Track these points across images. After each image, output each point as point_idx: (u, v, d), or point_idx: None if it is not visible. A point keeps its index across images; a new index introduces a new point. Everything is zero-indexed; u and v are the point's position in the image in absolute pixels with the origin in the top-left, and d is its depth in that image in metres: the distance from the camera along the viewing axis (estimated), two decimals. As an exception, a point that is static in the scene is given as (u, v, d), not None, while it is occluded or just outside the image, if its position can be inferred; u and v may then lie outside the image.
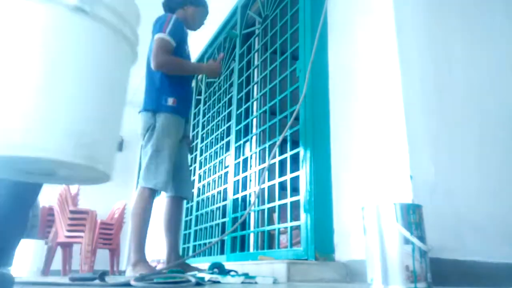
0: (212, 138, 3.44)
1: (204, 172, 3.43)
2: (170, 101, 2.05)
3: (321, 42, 2.05)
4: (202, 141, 3.70)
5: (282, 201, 2.13)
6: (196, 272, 1.76)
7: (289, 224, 2.02)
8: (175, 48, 2.04)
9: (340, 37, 2.05)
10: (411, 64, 1.65)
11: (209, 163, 3.43)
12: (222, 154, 3.16)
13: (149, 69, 2.11)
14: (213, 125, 3.49)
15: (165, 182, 1.97)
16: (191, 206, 3.50)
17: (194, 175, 3.63)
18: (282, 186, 2.25)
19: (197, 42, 4.29)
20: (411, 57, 1.66)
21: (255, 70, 2.82)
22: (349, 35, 1.97)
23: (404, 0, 1.74)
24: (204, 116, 3.80)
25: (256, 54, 2.87)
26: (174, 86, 2.09)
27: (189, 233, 3.46)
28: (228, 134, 3.01)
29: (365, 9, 1.87)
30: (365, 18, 1.87)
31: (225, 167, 3.05)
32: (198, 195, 3.43)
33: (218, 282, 1.58)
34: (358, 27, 1.90)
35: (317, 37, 1.93)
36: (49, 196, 4.91)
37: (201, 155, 3.68)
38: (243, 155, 2.76)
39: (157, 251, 4.47)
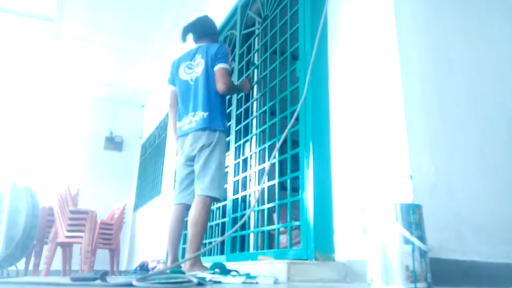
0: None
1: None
2: (227, 123, 2.46)
3: (321, 42, 2.05)
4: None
5: (282, 201, 2.13)
6: (197, 272, 1.77)
7: (289, 224, 2.02)
8: None
9: (340, 37, 2.05)
10: (411, 64, 1.65)
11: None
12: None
13: (209, 91, 2.33)
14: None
15: (224, 193, 2.30)
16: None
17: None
18: (282, 186, 2.25)
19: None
20: (411, 57, 1.66)
21: (255, 70, 2.82)
22: (349, 35, 1.97)
23: (403, 3, 1.75)
24: (204, 116, 3.79)
25: (256, 54, 2.87)
26: (226, 109, 2.50)
27: (189, 233, 3.45)
28: (228, 134, 3.01)
29: (365, 9, 1.88)
30: (365, 18, 1.87)
31: (225, 167, 3.05)
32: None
33: (219, 282, 1.59)
34: (358, 27, 1.90)
35: (317, 37, 1.93)
36: (49, 196, 4.92)
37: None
38: (243, 155, 2.76)
39: (158, 251, 4.48)
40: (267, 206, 2.27)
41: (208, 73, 2.31)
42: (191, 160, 2.28)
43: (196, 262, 2.02)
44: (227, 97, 2.75)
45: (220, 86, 2.26)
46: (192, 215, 2.09)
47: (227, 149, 2.95)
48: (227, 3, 3.54)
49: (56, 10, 4.36)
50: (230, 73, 2.36)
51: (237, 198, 2.63)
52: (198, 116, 2.26)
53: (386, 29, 1.71)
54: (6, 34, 4.89)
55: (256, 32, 2.93)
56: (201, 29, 2.54)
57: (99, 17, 4.54)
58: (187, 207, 2.28)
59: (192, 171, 2.28)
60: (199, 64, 2.37)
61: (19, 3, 4.33)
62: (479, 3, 2.08)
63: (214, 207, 3.06)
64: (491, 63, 1.99)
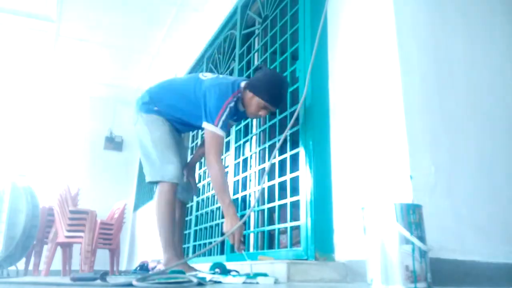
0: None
1: (204, 172, 3.43)
2: (156, 108, 2.08)
3: (321, 42, 2.05)
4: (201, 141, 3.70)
5: (282, 201, 2.13)
6: (197, 272, 1.77)
7: (289, 224, 2.02)
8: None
9: (340, 37, 2.05)
10: (412, 64, 1.65)
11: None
12: (222, 154, 3.17)
13: (185, 102, 2.07)
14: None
15: (174, 171, 2.01)
16: (191, 206, 3.50)
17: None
18: (282, 186, 2.25)
19: (197, 42, 4.30)
20: (411, 57, 1.66)
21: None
22: (349, 35, 1.97)
23: (404, 1, 1.75)
24: (204, 116, 3.79)
25: (256, 54, 2.87)
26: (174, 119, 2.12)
27: (189, 233, 3.46)
28: (228, 134, 3.01)
29: (366, 9, 1.88)
30: (365, 18, 1.87)
31: (225, 167, 3.05)
32: (198, 195, 3.43)
33: (220, 282, 1.59)
34: (359, 27, 1.91)
35: (317, 37, 1.94)
36: (49, 196, 4.92)
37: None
38: (243, 155, 2.76)
39: (158, 251, 4.47)
40: (267, 206, 2.27)
41: (188, 93, 2.08)
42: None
43: (172, 259, 1.89)
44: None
45: (208, 157, 1.94)
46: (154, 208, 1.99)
47: (226, 145, 2.95)
48: (227, 3, 3.54)
49: (56, 10, 4.36)
50: (223, 142, 2.06)
51: (237, 198, 2.63)
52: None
53: (386, 29, 1.71)
54: (6, 34, 4.89)
55: (256, 32, 2.93)
56: (252, 78, 2.08)
57: (99, 17, 4.54)
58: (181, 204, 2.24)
59: None
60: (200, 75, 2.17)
61: (19, 3, 4.33)
62: (479, 3, 2.08)
63: (214, 207, 3.07)
64: (492, 63, 1.99)
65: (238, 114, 2.13)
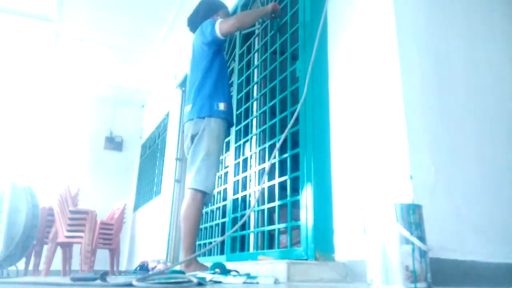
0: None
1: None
2: (222, 106, 2.16)
3: (321, 42, 2.05)
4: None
5: (282, 201, 2.13)
6: (197, 272, 1.77)
7: (289, 224, 2.02)
8: (220, 44, 2.27)
9: (340, 37, 2.05)
10: (411, 64, 1.65)
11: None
12: (222, 154, 3.17)
13: (198, 75, 2.22)
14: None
15: (214, 186, 2.13)
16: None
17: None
18: (282, 186, 2.25)
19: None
20: (411, 57, 1.66)
21: (255, 70, 2.82)
22: (349, 35, 1.97)
23: (404, 2, 1.75)
24: (204, 116, 3.79)
25: (256, 54, 2.87)
26: (223, 91, 2.22)
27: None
28: (228, 135, 3.01)
29: (365, 9, 1.88)
30: (365, 18, 1.87)
31: (225, 167, 3.05)
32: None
33: (220, 282, 1.59)
34: (358, 27, 1.91)
35: (317, 37, 1.93)
36: (49, 196, 4.92)
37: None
38: (243, 155, 2.76)
39: (158, 251, 4.47)
40: (267, 206, 2.27)
41: (195, 62, 2.29)
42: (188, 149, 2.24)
43: (192, 262, 1.97)
44: (225, 80, 2.33)
45: (220, 30, 2.16)
46: (183, 210, 2.04)
47: (226, 145, 2.95)
48: (227, 3, 3.54)
49: (56, 10, 4.36)
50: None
51: (237, 198, 2.63)
52: (189, 107, 2.23)
53: (386, 29, 1.71)
54: (6, 34, 4.89)
55: (256, 32, 2.93)
56: (194, 18, 2.47)
57: (99, 17, 4.55)
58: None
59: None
60: (191, 61, 2.37)
61: (19, 3, 4.33)
62: (480, 2, 2.08)
63: (214, 207, 3.07)
64: (492, 63, 1.99)
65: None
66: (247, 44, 3.02)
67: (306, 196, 1.91)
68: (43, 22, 4.62)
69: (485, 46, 2.00)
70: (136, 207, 6.27)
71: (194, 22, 2.45)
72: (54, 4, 4.26)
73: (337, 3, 2.10)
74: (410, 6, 1.76)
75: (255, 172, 2.52)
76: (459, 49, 1.87)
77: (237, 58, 3.10)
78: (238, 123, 2.86)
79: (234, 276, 1.66)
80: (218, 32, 2.17)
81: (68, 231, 4.27)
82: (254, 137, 2.65)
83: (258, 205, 2.37)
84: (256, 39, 2.92)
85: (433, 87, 1.69)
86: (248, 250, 2.44)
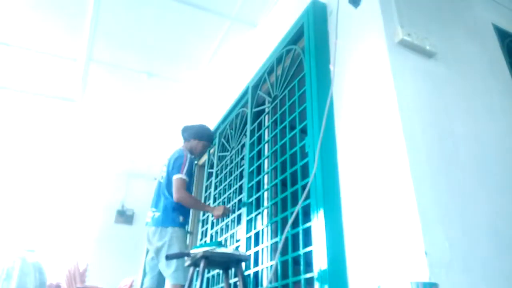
0: (224, 211, 3.44)
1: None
2: (181, 218, 2.72)
3: (329, 120, 2.16)
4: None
5: (296, 278, 2.08)
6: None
7: (304, 302, 1.95)
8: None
9: (346, 117, 2.16)
10: (416, 141, 1.73)
11: (220, 237, 3.40)
12: (234, 228, 3.16)
13: (165, 196, 2.76)
14: (224, 198, 3.52)
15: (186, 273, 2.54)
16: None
17: (205, 249, 3.58)
18: (295, 261, 2.21)
19: (211, 118, 4.51)
20: (416, 134, 1.74)
21: (266, 145, 2.93)
22: (354, 114, 2.08)
23: (404, 83, 1.88)
24: (215, 189, 3.85)
25: (266, 130, 3.00)
26: (180, 209, 2.74)
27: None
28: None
29: (368, 90, 2.01)
30: (368, 98, 1.99)
31: (237, 241, 3.02)
32: (209, 271, 3.35)
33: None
34: (362, 107, 2.02)
35: (325, 116, 2.04)
36: (57, 271, 4.83)
37: (212, 228, 3.66)
38: (254, 228, 2.75)
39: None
40: (280, 283, 2.21)
41: (169, 179, 2.77)
42: (153, 252, 2.70)
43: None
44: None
45: (174, 196, 2.66)
46: None
47: (237, 218, 2.95)
48: (239, 83, 3.79)
49: (80, 92, 4.69)
50: (186, 182, 2.70)
51: (249, 274, 2.57)
52: (154, 214, 2.74)
53: (388, 108, 1.82)
54: (27, 111, 5.17)
55: (266, 110, 3.10)
56: (182, 130, 3.09)
57: (120, 102, 4.86)
58: None
59: (154, 260, 2.74)
60: (163, 170, 2.88)
61: (43, 87, 4.67)
62: (476, 85, 2.22)
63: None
64: (493, 136, 2.06)
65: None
66: (258, 121, 3.16)
67: (320, 272, 1.87)
68: (64, 102, 4.94)
69: (486, 121, 2.09)
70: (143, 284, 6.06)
71: (184, 132, 3.10)
72: (78, 86, 4.60)
73: (341, 85, 2.24)
74: (410, 87, 1.89)
75: (267, 246, 2.49)
76: (461, 124, 1.96)
77: (248, 134, 3.23)
78: (250, 196, 2.90)
79: None
80: (175, 188, 2.69)
81: (74, 309, 4.11)
82: (265, 210, 2.67)
83: (271, 284, 2.31)
84: (266, 116, 3.08)
85: (440, 162, 1.75)
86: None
